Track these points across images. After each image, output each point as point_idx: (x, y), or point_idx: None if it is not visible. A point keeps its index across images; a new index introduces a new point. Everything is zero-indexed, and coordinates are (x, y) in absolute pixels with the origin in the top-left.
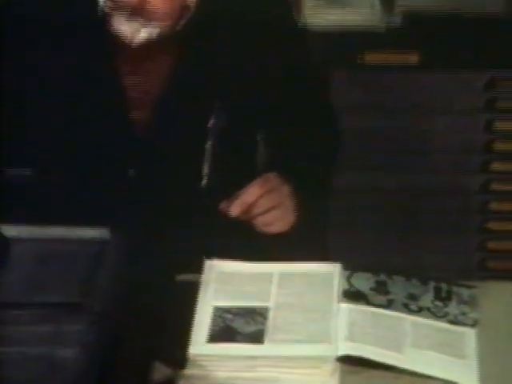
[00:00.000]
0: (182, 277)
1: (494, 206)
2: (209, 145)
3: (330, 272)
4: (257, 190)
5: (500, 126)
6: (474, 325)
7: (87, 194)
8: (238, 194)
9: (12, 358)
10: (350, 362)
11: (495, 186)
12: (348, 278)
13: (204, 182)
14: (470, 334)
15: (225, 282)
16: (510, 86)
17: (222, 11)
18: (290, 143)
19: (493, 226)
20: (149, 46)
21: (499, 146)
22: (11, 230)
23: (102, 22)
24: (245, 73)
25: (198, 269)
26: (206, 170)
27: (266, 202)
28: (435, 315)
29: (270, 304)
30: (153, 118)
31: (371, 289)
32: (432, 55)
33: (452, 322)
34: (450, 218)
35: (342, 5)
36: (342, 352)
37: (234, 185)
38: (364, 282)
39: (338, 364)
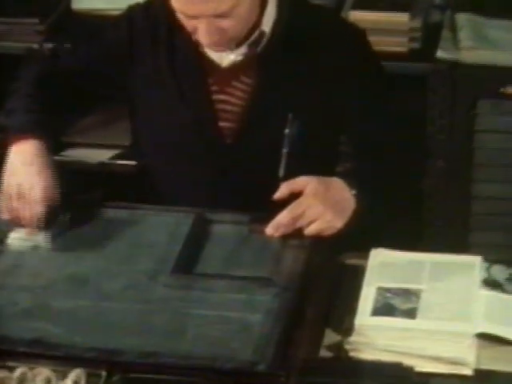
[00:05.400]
0: (351, 261)
1: None
2: (284, 150)
3: (472, 263)
4: (288, 213)
5: None
6: None
7: (180, 189)
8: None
9: (210, 319)
10: (485, 338)
11: None
12: (487, 269)
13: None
14: None
15: (387, 267)
16: None
17: (295, 35)
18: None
19: None
20: (234, 67)
21: None
22: (216, 216)
23: (196, 47)
24: (315, 88)
25: (363, 255)
26: (281, 172)
27: (300, 221)
28: None
29: (423, 287)
30: (238, 127)
31: (506, 279)
32: None
33: None
34: None
35: (494, 47)
36: (479, 330)
37: None
38: (500, 273)
39: (476, 339)
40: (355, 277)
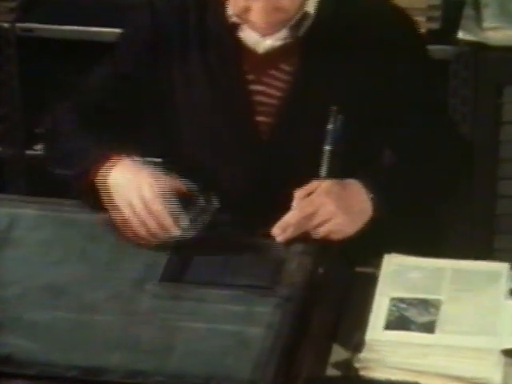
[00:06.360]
0: (362, 269)
1: None
2: (327, 148)
3: (498, 271)
4: (297, 212)
5: None
6: None
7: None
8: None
9: (203, 333)
10: None
11: None
12: None
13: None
14: None
15: (401, 275)
16: None
17: (342, 18)
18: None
19: None
20: (272, 54)
21: None
22: None
23: (231, 32)
24: (362, 78)
25: (376, 262)
26: (323, 172)
27: (310, 222)
28: None
29: (442, 297)
30: (275, 122)
31: None
32: None
33: None
34: None
35: None
36: (506, 345)
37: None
38: None
39: (502, 356)
40: (366, 286)
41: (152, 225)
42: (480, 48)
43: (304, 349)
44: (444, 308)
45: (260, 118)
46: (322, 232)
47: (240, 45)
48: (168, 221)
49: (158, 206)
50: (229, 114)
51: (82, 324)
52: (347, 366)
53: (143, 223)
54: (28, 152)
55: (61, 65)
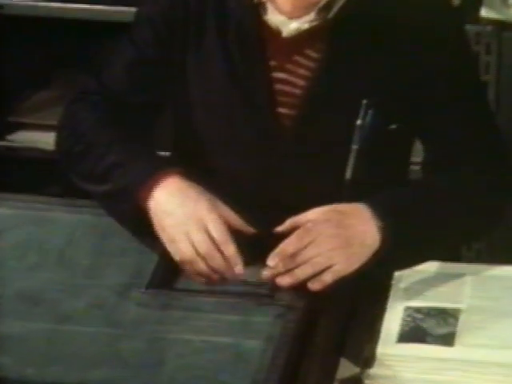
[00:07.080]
0: (373, 274)
1: None
2: (355, 145)
3: None
4: (294, 241)
5: None
6: None
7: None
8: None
9: (195, 346)
10: None
11: None
12: None
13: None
14: None
15: (417, 282)
16: None
17: (376, 1)
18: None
19: None
20: (297, 38)
21: None
22: None
23: (254, 12)
24: (396, 69)
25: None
26: (348, 173)
27: (304, 254)
28: None
29: (463, 306)
30: (298, 115)
31: None
32: None
33: None
34: None
35: None
36: None
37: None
38: None
39: None
40: (378, 293)
41: (219, 264)
42: (505, 27)
43: (308, 363)
44: (464, 318)
45: (282, 110)
46: (315, 265)
47: (263, 27)
48: (239, 262)
49: (230, 249)
50: (248, 103)
51: (60, 336)
52: (356, 383)
53: (207, 262)
54: (0, 143)
55: (35, 46)
